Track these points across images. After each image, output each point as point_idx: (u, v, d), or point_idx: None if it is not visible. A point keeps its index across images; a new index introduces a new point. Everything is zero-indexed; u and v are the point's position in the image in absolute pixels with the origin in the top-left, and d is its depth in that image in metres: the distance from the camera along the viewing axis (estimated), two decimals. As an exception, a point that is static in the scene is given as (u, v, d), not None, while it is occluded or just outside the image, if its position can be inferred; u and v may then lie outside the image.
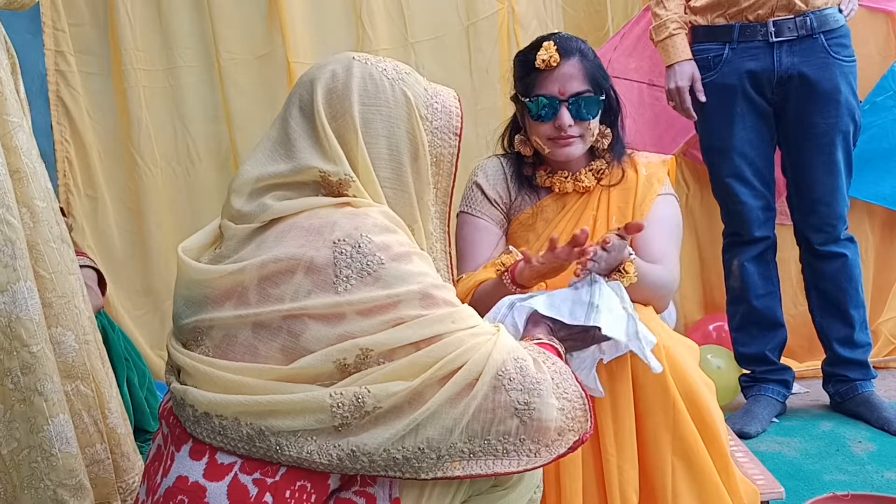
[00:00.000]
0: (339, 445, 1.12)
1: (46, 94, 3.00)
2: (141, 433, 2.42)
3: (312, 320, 1.14)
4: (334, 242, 1.16)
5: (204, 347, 1.20)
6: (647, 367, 1.55)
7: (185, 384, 1.20)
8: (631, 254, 1.68)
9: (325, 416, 1.12)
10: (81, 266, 2.38)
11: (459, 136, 1.34)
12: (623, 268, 1.66)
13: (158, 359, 3.02)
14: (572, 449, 1.22)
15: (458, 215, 1.99)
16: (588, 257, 1.54)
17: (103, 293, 2.50)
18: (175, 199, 3.15)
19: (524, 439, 1.17)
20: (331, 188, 1.23)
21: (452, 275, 1.40)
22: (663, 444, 1.62)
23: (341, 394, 1.12)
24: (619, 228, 1.62)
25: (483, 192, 1.96)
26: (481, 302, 1.66)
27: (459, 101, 1.37)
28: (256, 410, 1.13)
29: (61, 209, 2.58)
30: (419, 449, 1.13)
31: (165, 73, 3.08)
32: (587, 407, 1.24)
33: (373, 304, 1.14)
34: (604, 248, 1.57)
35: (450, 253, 1.38)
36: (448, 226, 1.38)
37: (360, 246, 1.15)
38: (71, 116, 3.04)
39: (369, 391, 1.12)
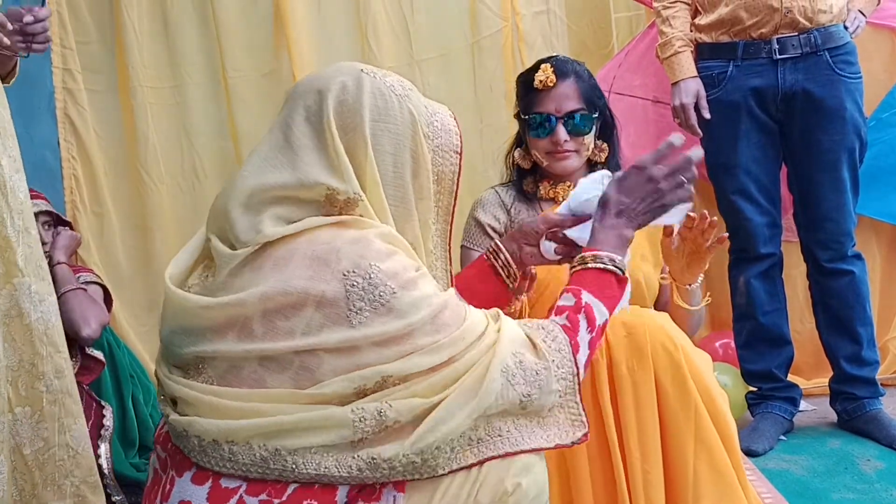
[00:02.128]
0: (359, 456, 1.13)
1: (54, 111, 3.02)
2: (145, 450, 2.41)
3: (327, 354, 1.14)
4: (344, 274, 1.14)
5: (206, 376, 1.18)
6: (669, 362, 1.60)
7: (187, 414, 1.18)
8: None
9: (347, 431, 1.13)
10: (88, 282, 2.41)
11: (460, 155, 1.34)
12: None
13: (163, 375, 3.02)
14: (572, 444, 1.25)
15: (460, 248, 2.05)
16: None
17: (109, 309, 2.50)
18: (181, 215, 3.15)
19: (519, 415, 1.22)
20: (334, 207, 1.21)
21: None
22: (687, 447, 1.62)
23: (363, 409, 1.13)
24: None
25: (479, 223, 2.06)
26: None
27: (456, 119, 1.36)
28: (272, 431, 1.13)
29: (68, 223, 2.61)
30: (436, 447, 1.15)
31: (172, 90, 3.10)
32: (577, 384, 1.26)
33: (388, 336, 1.15)
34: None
35: (451, 271, 1.38)
36: (449, 244, 1.37)
37: (370, 277, 1.14)
38: (78, 133, 3.06)
39: (391, 405, 1.13)
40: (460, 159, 1.34)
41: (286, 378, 1.15)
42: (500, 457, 1.19)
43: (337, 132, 1.22)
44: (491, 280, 1.63)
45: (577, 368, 1.27)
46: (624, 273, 1.39)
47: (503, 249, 1.62)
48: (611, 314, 1.36)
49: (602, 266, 1.37)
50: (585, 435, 1.26)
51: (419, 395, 1.15)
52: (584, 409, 1.26)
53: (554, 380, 1.23)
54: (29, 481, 1.63)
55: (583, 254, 1.40)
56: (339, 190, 1.20)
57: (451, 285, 1.37)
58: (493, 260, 1.63)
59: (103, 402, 2.28)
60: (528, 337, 1.26)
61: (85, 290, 2.27)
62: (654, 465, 1.61)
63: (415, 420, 1.14)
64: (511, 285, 1.64)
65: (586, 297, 1.34)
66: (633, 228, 1.43)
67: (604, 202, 1.43)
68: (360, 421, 1.12)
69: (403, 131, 1.26)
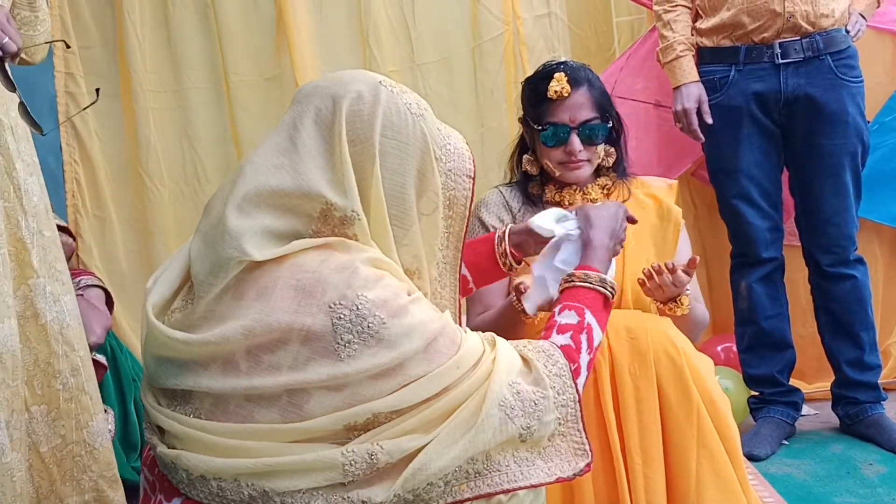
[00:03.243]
0: (349, 497, 1.10)
1: (56, 115, 3.02)
2: (147, 454, 2.41)
3: (316, 390, 1.10)
4: (330, 307, 1.10)
5: (193, 407, 1.15)
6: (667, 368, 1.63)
7: (175, 447, 1.14)
8: (688, 289, 1.80)
9: (336, 473, 1.09)
10: (90, 286, 2.41)
11: (473, 180, 1.31)
12: (679, 299, 1.79)
13: (165, 379, 3.01)
14: (574, 476, 1.21)
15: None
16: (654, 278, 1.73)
17: (111, 313, 2.50)
18: (183, 219, 3.15)
19: (519, 448, 1.18)
20: (327, 225, 1.17)
21: (461, 322, 1.36)
22: (689, 451, 1.63)
23: (354, 451, 1.09)
24: (679, 266, 1.76)
25: (483, 224, 2.04)
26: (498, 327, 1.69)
27: (469, 146, 1.34)
28: (260, 472, 1.09)
29: (66, 230, 2.61)
30: (429, 483, 1.11)
31: (174, 94, 3.10)
32: (579, 411, 1.23)
33: (379, 369, 1.10)
34: (685, 272, 1.74)
35: (459, 300, 1.34)
36: (459, 272, 1.33)
37: (358, 308, 1.10)
38: (80, 137, 3.06)
39: (382, 448, 1.09)
40: (473, 184, 1.31)
41: (274, 413, 1.10)
42: (496, 493, 1.15)
43: (346, 142, 1.18)
44: (490, 258, 1.65)
45: (579, 395, 1.23)
46: (613, 297, 1.43)
47: (506, 239, 1.64)
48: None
49: (601, 289, 1.40)
50: (588, 465, 1.22)
51: (412, 431, 1.11)
52: (587, 438, 1.23)
53: (553, 407, 1.19)
54: (46, 478, 1.66)
55: (586, 271, 1.42)
56: (337, 205, 1.16)
57: (458, 313, 1.33)
58: (495, 244, 1.64)
59: (105, 406, 2.28)
60: (524, 361, 1.22)
61: (81, 295, 2.27)
62: (656, 470, 1.62)
63: (406, 459, 1.10)
64: (505, 270, 1.66)
65: (589, 317, 1.33)
66: (616, 250, 1.54)
67: (593, 215, 1.54)
68: (351, 464, 1.08)
69: (413, 151, 1.22)
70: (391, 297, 1.13)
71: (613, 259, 1.56)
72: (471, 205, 1.31)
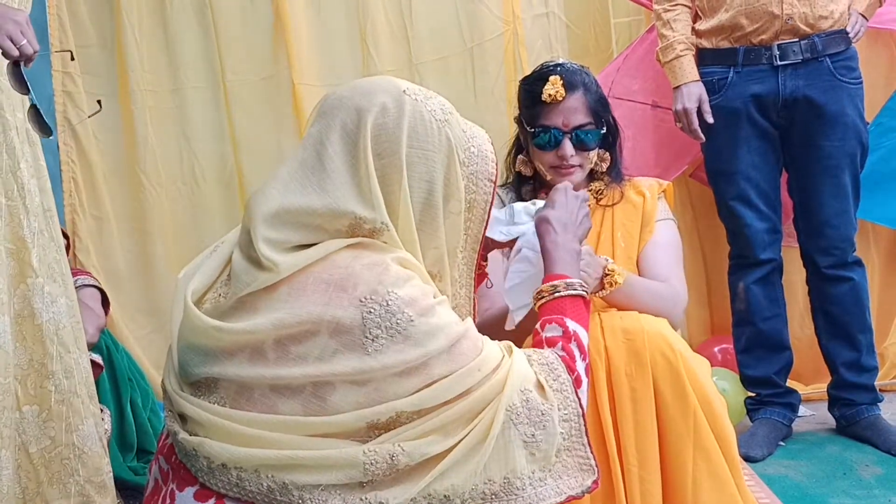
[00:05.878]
0: (367, 499, 1.10)
1: (53, 114, 3.02)
2: (144, 454, 2.41)
3: (341, 383, 1.11)
4: (361, 301, 1.11)
5: (217, 396, 1.16)
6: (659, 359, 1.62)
7: (197, 435, 1.15)
8: (608, 259, 1.77)
9: (357, 472, 1.10)
10: (86, 285, 2.41)
11: (494, 182, 1.31)
12: (603, 279, 1.75)
13: (162, 379, 3.01)
14: (583, 494, 1.21)
15: None
16: None
17: (106, 312, 2.50)
18: (180, 219, 3.16)
19: (534, 470, 1.18)
20: (356, 236, 1.18)
21: (475, 320, 1.36)
22: (685, 453, 1.62)
23: (375, 451, 1.10)
24: None
25: None
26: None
27: (492, 143, 1.34)
28: (281, 464, 1.10)
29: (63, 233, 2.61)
30: (445, 496, 1.12)
31: (171, 94, 3.10)
32: (582, 425, 1.23)
33: (403, 366, 1.12)
34: None
35: (474, 299, 1.35)
36: (475, 273, 1.34)
37: (388, 304, 1.12)
38: (77, 137, 3.06)
39: (403, 449, 1.10)
40: (494, 187, 1.31)
41: (297, 404, 1.12)
42: None
43: (372, 157, 1.19)
44: None
45: (582, 408, 1.24)
46: (588, 295, 1.42)
47: None
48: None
49: (574, 293, 1.40)
50: (595, 482, 1.22)
51: (432, 433, 1.12)
52: (592, 453, 1.23)
53: (558, 420, 1.20)
54: (34, 479, 1.67)
55: (553, 282, 1.41)
56: (365, 219, 1.18)
57: (473, 311, 1.35)
58: None
59: (101, 406, 2.28)
60: (536, 375, 1.23)
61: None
62: (652, 472, 1.61)
63: (426, 464, 1.12)
64: None
65: (571, 324, 1.33)
66: (577, 240, 1.51)
67: (544, 221, 1.51)
68: (372, 464, 1.09)
69: (440, 158, 1.23)
70: (420, 297, 1.15)
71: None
72: (490, 207, 1.32)
